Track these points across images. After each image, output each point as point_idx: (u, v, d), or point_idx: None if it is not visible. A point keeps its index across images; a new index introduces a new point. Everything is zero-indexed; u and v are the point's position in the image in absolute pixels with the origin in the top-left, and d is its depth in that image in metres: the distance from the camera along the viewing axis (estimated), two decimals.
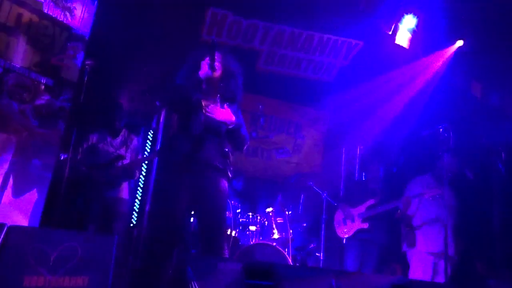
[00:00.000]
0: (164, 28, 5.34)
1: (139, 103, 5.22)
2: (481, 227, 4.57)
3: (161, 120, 5.76)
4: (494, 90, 5.53)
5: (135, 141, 4.50)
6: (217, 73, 2.85)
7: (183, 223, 2.80)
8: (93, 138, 4.32)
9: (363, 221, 4.66)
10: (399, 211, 4.44)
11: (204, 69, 2.81)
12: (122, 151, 4.32)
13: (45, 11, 4.00)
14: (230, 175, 2.87)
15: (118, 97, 4.97)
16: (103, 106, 4.88)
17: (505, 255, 4.15)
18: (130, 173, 4.22)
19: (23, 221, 3.69)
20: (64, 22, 4.11)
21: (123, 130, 4.45)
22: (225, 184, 2.83)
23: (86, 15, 4.24)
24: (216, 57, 2.81)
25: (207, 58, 2.82)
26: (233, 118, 2.87)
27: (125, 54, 5.32)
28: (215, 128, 2.81)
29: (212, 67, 2.79)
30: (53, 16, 4.04)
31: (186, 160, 2.69)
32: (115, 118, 4.39)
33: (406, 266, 4.48)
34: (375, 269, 4.56)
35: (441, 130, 3.80)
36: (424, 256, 4.25)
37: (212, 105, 2.87)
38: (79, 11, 4.20)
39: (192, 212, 4.41)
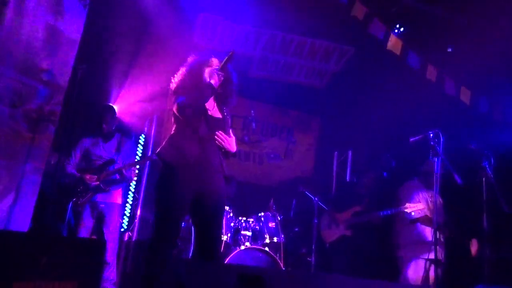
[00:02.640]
0: (156, 33, 5.34)
1: (130, 107, 5.20)
2: (470, 232, 4.60)
3: (153, 125, 5.76)
4: (483, 96, 5.60)
5: (127, 145, 4.48)
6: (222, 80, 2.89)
7: (181, 227, 2.79)
8: (86, 142, 4.31)
9: (347, 228, 4.68)
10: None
11: (214, 78, 2.82)
12: (114, 155, 4.31)
13: (36, 14, 3.97)
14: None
15: (107, 100, 4.95)
16: (93, 109, 4.87)
17: (494, 259, 4.18)
18: (126, 176, 4.22)
19: (12, 226, 3.65)
20: (55, 26, 4.09)
21: (116, 134, 4.43)
22: (224, 185, 2.85)
23: (77, 19, 4.22)
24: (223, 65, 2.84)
25: (215, 66, 2.84)
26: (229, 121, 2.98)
27: (116, 58, 5.32)
28: (218, 129, 2.84)
29: (222, 77, 2.83)
30: (44, 19, 4.02)
31: (192, 162, 2.70)
32: (103, 121, 4.37)
33: (396, 270, 4.49)
34: (362, 274, 4.57)
35: (431, 135, 3.83)
36: (415, 261, 4.27)
37: (213, 108, 2.92)
38: (70, 15, 4.19)
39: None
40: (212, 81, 2.81)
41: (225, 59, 2.82)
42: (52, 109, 4.00)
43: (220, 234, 2.79)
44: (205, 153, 2.75)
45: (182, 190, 2.67)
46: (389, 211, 4.40)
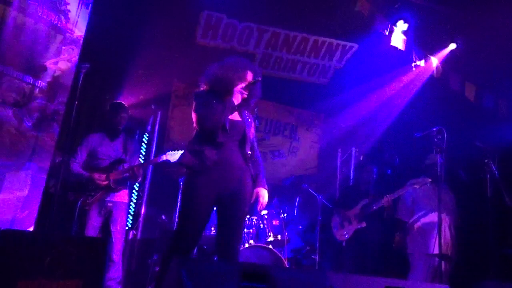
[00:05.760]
0: (159, 31, 5.34)
1: (134, 106, 5.21)
2: (476, 228, 4.59)
3: (156, 124, 5.77)
4: (488, 92, 5.56)
5: (133, 144, 4.46)
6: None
7: (201, 233, 2.80)
8: (92, 140, 4.25)
9: (360, 221, 4.68)
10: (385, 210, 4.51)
11: (236, 97, 2.85)
12: (122, 154, 4.27)
13: (40, 14, 3.99)
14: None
15: (110, 99, 4.93)
16: (104, 108, 4.86)
17: (499, 256, 4.17)
18: (137, 175, 4.19)
19: (17, 225, 3.67)
20: (59, 25, 4.11)
21: (122, 133, 4.39)
22: (250, 183, 2.86)
23: (80, 18, 4.24)
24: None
25: (241, 86, 2.86)
26: (253, 126, 2.99)
27: (120, 57, 5.32)
28: (238, 132, 2.85)
29: (244, 96, 2.86)
30: (48, 19, 4.03)
31: (211, 165, 2.72)
32: (119, 121, 4.31)
33: (406, 266, 4.48)
34: (373, 269, 4.56)
35: (435, 131, 3.82)
36: (423, 257, 4.26)
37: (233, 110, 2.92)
38: (73, 14, 4.20)
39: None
40: (235, 101, 2.83)
41: (250, 84, 2.85)
42: (56, 109, 4.03)
43: (239, 233, 2.80)
44: (224, 155, 2.76)
45: (204, 194, 2.69)
46: (398, 192, 4.42)
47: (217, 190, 2.73)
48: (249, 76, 2.89)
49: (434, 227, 4.24)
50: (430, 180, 4.19)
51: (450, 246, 4.30)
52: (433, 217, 4.28)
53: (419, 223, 4.43)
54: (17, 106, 3.80)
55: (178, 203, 4.40)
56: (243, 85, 2.87)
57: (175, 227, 2.78)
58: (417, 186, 4.31)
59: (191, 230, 2.68)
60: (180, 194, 2.83)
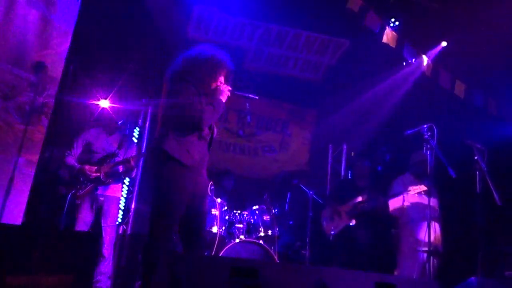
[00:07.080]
0: (150, 25, 5.30)
1: (125, 100, 5.16)
2: (464, 224, 4.64)
3: (147, 118, 5.73)
4: (478, 90, 5.62)
5: (129, 142, 4.48)
6: None
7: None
8: (89, 134, 4.27)
9: (350, 217, 4.70)
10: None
11: (224, 94, 2.89)
12: (116, 149, 4.28)
13: (29, 6, 3.93)
14: None
15: (111, 94, 4.90)
16: (94, 102, 4.82)
17: (487, 251, 4.23)
18: (134, 166, 4.21)
19: (5, 219, 3.63)
20: (48, 17, 4.05)
21: (120, 129, 4.42)
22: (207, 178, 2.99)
23: (70, 10, 4.18)
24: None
25: (227, 83, 2.94)
26: None
27: (110, 51, 5.27)
28: (213, 127, 2.96)
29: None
30: (37, 11, 3.97)
31: (197, 161, 2.76)
32: (115, 116, 4.33)
33: (394, 263, 4.51)
34: (361, 265, 4.59)
35: (425, 129, 3.85)
36: (412, 253, 4.30)
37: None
38: (63, 6, 4.14)
39: None
40: (222, 99, 2.89)
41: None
42: (45, 101, 3.97)
43: (204, 225, 2.94)
44: (204, 151, 2.84)
45: (187, 186, 2.71)
46: (394, 196, 4.45)
47: (193, 184, 2.76)
48: (226, 69, 2.93)
49: (421, 223, 4.28)
50: (426, 188, 4.17)
51: (440, 242, 4.34)
52: (423, 213, 4.32)
53: (408, 219, 4.46)
54: (5, 99, 3.74)
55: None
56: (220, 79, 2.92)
57: (151, 215, 2.71)
58: (412, 193, 4.30)
59: (172, 218, 2.66)
60: (158, 181, 2.75)
